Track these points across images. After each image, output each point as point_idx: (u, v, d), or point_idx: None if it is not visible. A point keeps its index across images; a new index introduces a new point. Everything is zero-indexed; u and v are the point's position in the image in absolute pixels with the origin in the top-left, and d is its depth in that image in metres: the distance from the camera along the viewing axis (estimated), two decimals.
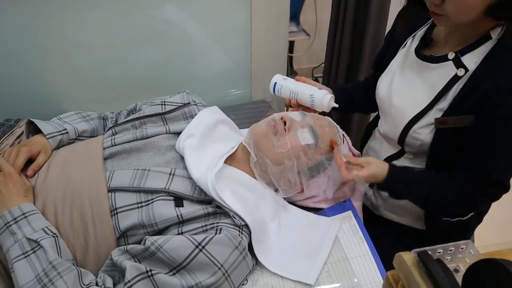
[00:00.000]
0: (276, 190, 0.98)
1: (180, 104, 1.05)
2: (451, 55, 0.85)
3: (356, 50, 1.76)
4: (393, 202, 1.06)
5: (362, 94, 1.14)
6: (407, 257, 0.56)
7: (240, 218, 0.83)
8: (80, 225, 0.81)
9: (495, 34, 0.80)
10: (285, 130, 0.95)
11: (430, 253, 0.55)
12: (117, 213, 0.82)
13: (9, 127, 1.22)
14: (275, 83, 1.05)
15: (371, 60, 1.50)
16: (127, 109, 1.13)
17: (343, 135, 1.04)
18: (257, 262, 0.86)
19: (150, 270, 0.73)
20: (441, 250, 0.57)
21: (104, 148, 0.94)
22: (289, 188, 0.97)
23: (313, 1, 2.36)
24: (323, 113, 1.09)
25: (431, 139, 0.88)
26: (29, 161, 0.89)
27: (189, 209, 0.83)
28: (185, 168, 0.90)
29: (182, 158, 0.92)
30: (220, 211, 0.85)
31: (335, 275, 0.85)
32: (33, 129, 1.00)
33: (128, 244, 0.81)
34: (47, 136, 0.95)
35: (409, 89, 0.93)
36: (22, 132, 1.13)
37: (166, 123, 1.02)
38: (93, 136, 1.05)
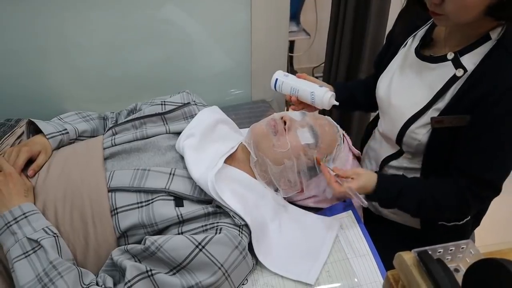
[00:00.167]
0: (276, 190, 0.98)
1: (180, 104, 1.05)
2: (450, 56, 0.85)
3: (356, 50, 1.75)
4: None
5: (363, 92, 1.13)
6: (408, 257, 0.56)
7: (240, 218, 0.83)
8: (80, 225, 0.81)
9: (494, 35, 0.80)
10: (285, 129, 0.95)
11: (430, 252, 0.55)
12: (117, 213, 0.82)
13: (9, 127, 1.22)
14: (276, 79, 1.05)
15: (371, 60, 1.51)
16: (127, 109, 1.13)
17: (343, 134, 1.04)
18: (257, 261, 0.86)
19: (150, 270, 0.73)
20: (442, 250, 0.57)
21: (104, 148, 0.94)
22: (289, 188, 0.97)
23: (313, 1, 2.36)
24: (323, 111, 1.09)
25: (428, 139, 0.89)
26: (30, 161, 0.90)
27: (189, 209, 0.83)
28: (185, 168, 0.90)
29: (182, 158, 0.92)
30: (220, 211, 0.85)
31: (335, 275, 0.85)
32: (34, 129, 1.00)
33: (128, 244, 0.81)
34: (47, 136, 0.95)
35: (408, 89, 0.93)
36: (23, 132, 1.13)
37: (166, 123, 1.02)
38: (93, 136, 1.05)
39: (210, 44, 1.46)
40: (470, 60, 0.82)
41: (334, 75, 1.87)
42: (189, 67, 1.49)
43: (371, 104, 1.09)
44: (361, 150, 1.18)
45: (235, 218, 0.83)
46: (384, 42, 1.10)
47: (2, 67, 1.31)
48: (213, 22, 1.42)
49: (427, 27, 0.94)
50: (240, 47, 1.49)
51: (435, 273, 0.51)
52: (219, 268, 0.75)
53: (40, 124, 0.97)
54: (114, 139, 0.96)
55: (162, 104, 1.04)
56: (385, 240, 0.92)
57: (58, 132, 0.97)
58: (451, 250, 0.57)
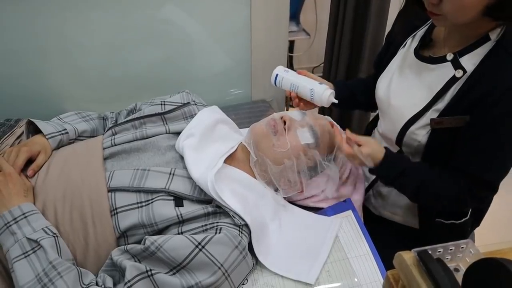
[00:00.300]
0: (276, 190, 0.98)
1: (180, 104, 1.05)
2: (449, 56, 0.85)
3: (356, 50, 1.76)
4: (393, 202, 1.06)
5: (363, 91, 1.13)
6: (407, 257, 0.56)
7: (240, 217, 0.83)
8: (80, 225, 0.81)
9: (494, 35, 0.79)
10: (285, 129, 0.95)
11: (430, 252, 0.55)
12: (117, 213, 0.82)
13: (9, 127, 1.22)
14: (277, 75, 1.05)
15: (370, 60, 1.51)
16: (127, 109, 1.13)
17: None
18: (257, 261, 0.86)
19: (150, 270, 0.73)
20: (441, 250, 0.57)
21: (104, 148, 0.94)
22: (289, 188, 0.97)
23: (313, 1, 2.36)
24: (323, 110, 1.09)
25: (427, 140, 0.88)
26: (29, 161, 0.90)
27: (189, 208, 0.83)
28: (185, 168, 0.90)
29: (182, 158, 0.92)
30: (220, 210, 0.85)
31: (335, 275, 0.85)
32: (33, 129, 1.00)
33: (128, 244, 0.81)
34: (47, 136, 0.95)
35: (407, 90, 0.93)
36: (22, 132, 1.13)
37: (166, 123, 1.02)
38: (93, 136, 1.05)
39: (210, 44, 1.46)
40: (470, 61, 0.82)
41: (334, 75, 1.88)
42: (189, 67, 1.49)
43: (371, 103, 1.09)
44: None
45: (235, 218, 0.83)
46: (384, 42, 1.10)
47: (2, 67, 1.31)
48: (213, 22, 1.42)
49: (426, 27, 0.94)
50: (240, 47, 1.49)
51: (435, 273, 0.51)
52: (219, 268, 0.75)
53: (40, 124, 0.97)
54: (114, 139, 0.96)
55: (161, 104, 1.04)
56: (385, 240, 0.92)
57: (57, 132, 0.97)
58: (451, 249, 0.57)
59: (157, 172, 0.87)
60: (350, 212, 0.98)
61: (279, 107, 1.66)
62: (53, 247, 0.74)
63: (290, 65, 2.58)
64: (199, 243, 0.75)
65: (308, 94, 1.00)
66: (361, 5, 1.63)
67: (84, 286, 0.73)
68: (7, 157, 0.88)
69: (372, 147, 0.89)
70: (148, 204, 0.83)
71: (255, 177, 0.96)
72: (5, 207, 0.77)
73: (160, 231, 0.82)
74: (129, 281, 0.71)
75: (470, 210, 0.98)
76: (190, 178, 0.88)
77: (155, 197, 0.83)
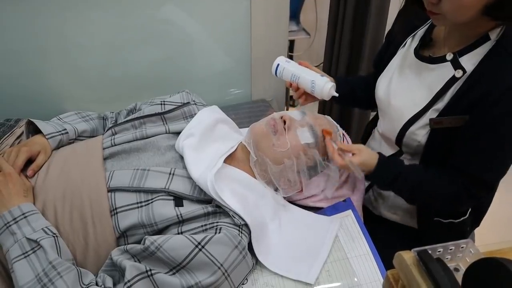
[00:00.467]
0: (276, 190, 0.98)
1: (180, 104, 1.05)
2: (449, 56, 0.85)
3: (356, 50, 1.75)
4: (392, 202, 1.06)
5: (363, 89, 1.13)
6: (407, 256, 0.56)
7: (240, 217, 0.83)
8: (80, 225, 0.81)
9: (493, 35, 0.79)
10: (284, 129, 0.95)
11: (430, 252, 0.54)
12: (116, 213, 0.82)
13: (9, 127, 1.22)
14: (278, 64, 1.04)
15: (371, 59, 1.50)
16: (126, 109, 1.13)
17: (343, 134, 1.04)
18: (257, 261, 0.86)
19: (150, 270, 0.73)
20: (441, 249, 0.57)
21: (103, 148, 0.94)
22: (289, 188, 0.97)
23: (313, 0, 2.36)
24: (323, 110, 1.08)
25: (426, 140, 0.88)
26: (29, 161, 0.90)
27: (189, 208, 0.83)
28: (185, 167, 0.89)
29: (182, 157, 0.92)
30: (220, 210, 0.85)
31: (335, 275, 0.85)
32: (33, 129, 1.00)
33: (128, 243, 0.81)
34: (47, 136, 0.95)
35: (407, 89, 0.93)
36: (22, 132, 1.13)
37: (166, 123, 1.02)
38: (93, 136, 1.05)
39: (210, 44, 1.46)
40: (470, 61, 0.82)
41: (334, 74, 1.88)
42: (189, 67, 1.49)
43: (370, 101, 1.09)
44: None
45: (234, 217, 0.83)
46: (384, 41, 1.10)
47: (2, 67, 1.31)
48: (213, 22, 1.42)
49: (426, 27, 0.94)
50: (240, 46, 1.49)
51: (434, 273, 0.51)
52: (219, 268, 0.75)
53: (40, 124, 0.97)
54: (114, 139, 0.96)
55: (161, 104, 1.04)
56: (385, 240, 0.92)
57: (57, 132, 0.97)
58: (451, 249, 0.57)
59: (157, 172, 0.87)
60: (350, 211, 0.98)
61: (279, 106, 1.66)
62: (53, 247, 0.74)
63: None
64: (199, 243, 0.75)
65: (309, 85, 0.99)
66: (361, 4, 1.63)
67: (84, 286, 0.73)
68: (7, 157, 0.88)
69: (364, 156, 0.89)
70: (148, 204, 0.83)
71: (255, 177, 0.96)
72: (5, 207, 0.77)
73: (160, 231, 0.82)
74: (129, 281, 0.71)
75: (470, 210, 0.98)
76: (190, 178, 0.88)
77: (155, 197, 0.83)
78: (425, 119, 0.87)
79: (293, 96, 1.05)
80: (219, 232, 0.79)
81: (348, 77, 1.18)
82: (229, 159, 0.97)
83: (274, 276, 0.85)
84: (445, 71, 0.85)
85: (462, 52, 0.83)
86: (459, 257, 0.58)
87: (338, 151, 0.90)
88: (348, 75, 1.81)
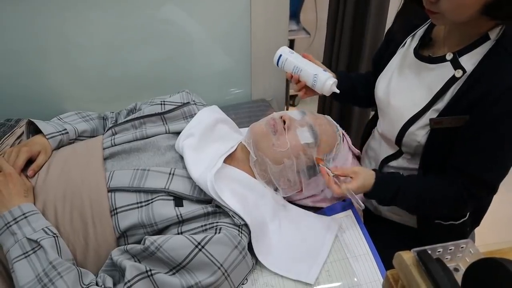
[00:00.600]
0: (276, 190, 0.98)
1: (180, 104, 1.05)
2: (449, 56, 0.85)
3: (356, 49, 1.75)
4: None
5: (363, 86, 1.12)
6: (407, 257, 0.56)
7: (240, 217, 0.83)
8: (80, 225, 0.81)
9: (493, 35, 0.79)
10: (284, 129, 0.95)
11: (430, 252, 0.54)
12: (117, 213, 0.82)
13: (9, 127, 1.22)
14: (280, 55, 1.01)
15: (370, 59, 1.50)
16: (126, 108, 1.14)
17: (342, 133, 1.04)
18: (257, 261, 0.86)
19: (150, 270, 0.73)
20: (441, 249, 0.57)
21: (104, 148, 0.94)
22: (288, 187, 0.97)
23: (313, 0, 2.36)
24: (323, 109, 1.07)
25: (426, 140, 0.88)
26: (29, 161, 0.90)
27: (189, 208, 0.83)
28: (185, 168, 0.90)
29: (182, 158, 0.92)
30: (220, 210, 0.85)
31: (335, 275, 0.85)
32: (33, 129, 1.00)
33: (128, 244, 0.81)
34: (47, 136, 0.95)
35: (407, 89, 0.93)
36: (23, 132, 1.13)
37: (166, 123, 1.02)
38: (93, 136, 1.05)
39: (209, 43, 1.46)
40: (469, 61, 0.82)
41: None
42: (189, 67, 1.49)
43: (370, 100, 1.08)
44: (361, 149, 1.18)
45: (234, 217, 0.83)
46: (383, 39, 1.09)
47: (2, 67, 1.31)
48: (212, 22, 1.42)
49: (425, 26, 0.94)
50: (239, 46, 1.49)
51: (434, 273, 0.51)
52: (219, 268, 0.75)
53: (40, 124, 0.97)
54: (114, 139, 0.96)
55: (161, 104, 1.04)
56: (385, 240, 0.92)
57: (57, 132, 0.97)
58: (450, 249, 0.57)
59: (157, 172, 0.87)
60: (350, 212, 0.99)
61: (279, 106, 1.66)
62: (53, 247, 0.74)
63: None
64: (199, 243, 0.75)
65: (311, 79, 0.97)
66: (361, 3, 1.63)
67: (84, 286, 0.73)
68: (7, 157, 0.88)
69: (361, 179, 0.88)
70: (148, 204, 0.83)
71: (254, 177, 0.96)
72: (5, 207, 0.77)
73: (160, 231, 0.82)
74: (129, 281, 0.71)
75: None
76: (190, 178, 0.88)
77: (155, 197, 0.83)
78: (425, 119, 0.87)
79: (293, 89, 1.02)
80: (219, 232, 0.79)
81: (350, 74, 1.16)
82: (229, 159, 0.97)
83: (274, 276, 0.85)
84: (445, 71, 0.85)
85: (462, 52, 0.83)
86: (459, 257, 0.58)
87: (334, 179, 0.89)
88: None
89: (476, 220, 1.04)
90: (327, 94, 0.99)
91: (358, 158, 1.12)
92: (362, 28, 1.66)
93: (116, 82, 1.44)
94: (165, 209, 0.82)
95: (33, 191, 0.84)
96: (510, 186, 0.99)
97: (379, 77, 1.02)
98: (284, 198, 0.99)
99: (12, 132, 1.18)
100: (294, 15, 2.32)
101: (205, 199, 0.86)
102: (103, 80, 1.43)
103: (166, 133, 1.00)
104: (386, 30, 1.13)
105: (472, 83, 0.80)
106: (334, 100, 1.62)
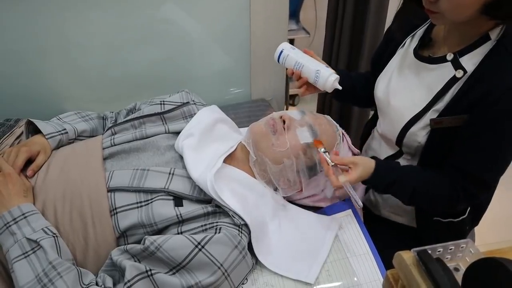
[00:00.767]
0: (276, 189, 0.98)
1: (179, 104, 1.05)
2: (449, 56, 0.84)
3: (356, 48, 1.75)
4: (392, 202, 1.06)
5: (363, 86, 1.12)
6: (407, 256, 0.56)
7: (240, 217, 0.83)
8: (79, 225, 0.81)
9: (494, 35, 0.79)
10: (284, 129, 0.95)
11: (430, 252, 0.54)
12: (116, 213, 0.82)
13: (8, 127, 1.22)
14: (281, 51, 0.99)
15: (370, 58, 1.50)
16: (126, 108, 1.13)
17: (342, 133, 1.04)
18: (257, 261, 0.86)
19: (150, 270, 0.73)
20: (441, 249, 0.57)
21: (103, 148, 0.94)
22: (288, 187, 0.97)
23: None
24: (323, 109, 1.07)
25: (426, 140, 0.88)
26: (29, 161, 0.89)
27: (189, 208, 0.83)
28: (185, 167, 0.89)
29: (182, 157, 0.92)
30: (220, 210, 0.85)
31: (335, 274, 0.85)
32: (33, 129, 1.00)
33: (128, 243, 0.81)
34: (46, 136, 0.95)
35: (407, 90, 0.93)
36: (22, 132, 1.13)
37: (165, 123, 1.02)
38: (93, 136, 1.05)
39: (209, 43, 1.46)
40: (470, 61, 0.81)
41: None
42: (188, 66, 1.49)
43: (369, 99, 1.08)
44: (360, 149, 1.18)
45: (234, 217, 0.83)
46: (383, 38, 1.09)
47: (2, 67, 1.31)
48: (212, 21, 1.42)
49: (425, 26, 0.94)
50: (239, 45, 1.49)
51: (434, 273, 0.51)
52: (219, 268, 0.75)
53: (39, 124, 0.97)
54: (113, 139, 0.96)
55: (161, 104, 1.04)
56: (385, 239, 0.92)
57: (57, 132, 0.97)
58: (450, 249, 0.57)
59: (157, 172, 0.87)
60: (350, 211, 0.98)
61: (279, 106, 1.66)
62: (53, 247, 0.74)
63: None
64: (199, 243, 0.75)
65: (313, 75, 0.96)
66: (360, 2, 1.63)
67: (84, 286, 0.73)
68: (7, 157, 0.88)
69: (360, 170, 0.87)
70: (148, 204, 0.83)
71: (254, 177, 0.96)
72: (4, 207, 0.77)
73: (160, 231, 0.82)
74: (129, 281, 0.71)
75: (469, 209, 0.98)
76: (189, 177, 0.88)
77: (154, 197, 0.83)
78: (425, 120, 0.87)
79: (294, 85, 1.01)
80: (219, 232, 0.79)
81: (350, 72, 1.16)
82: (229, 159, 0.97)
83: (274, 275, 0.85)
84: (445, 71, 0.85)
85: (463, 52, 0.83)
86: (459, 257, 0.58)
87: (333, 169, 0.87)
88: None
89: (475, 218, 1.04)
90: (329, 91, 0.97)
91: None
92: (362, 27, 1.66)
93: (116, 81, 1.44)
94: (164, 209, 0.82)
95: (33, 191, 0.84)
96: (510, 185, 0.99)
97: (379, 77, 1.02)
98: (284, 197, 0.99)
99: (12, 132, 1.18)
100: (294, 14, 2.33)
101: (205, 199, 0.86)
102: (103, 80, 1.43)
103: (165, 133, 1.00)
104: (385, 29, 1.13)
105: (472, 83, 0.80)
106: (334, 100, 1.61)
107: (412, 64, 0.92)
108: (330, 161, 0.88)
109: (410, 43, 0.95)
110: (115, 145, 0.95)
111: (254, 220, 0.85)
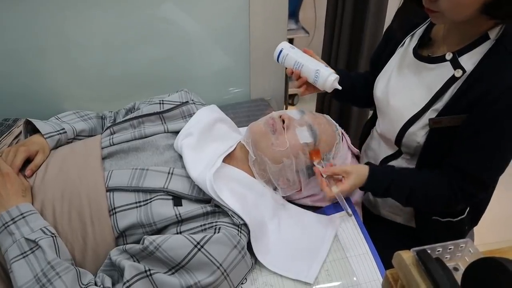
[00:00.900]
0: (275, 189, 0.98)
1: (178, 103, 1.05)
2: (448, 56, 0.84)
3: (355, 47, 1.75)
4: (391, 202, 1.06)
5: (363, 86, 1.12)
6: (406, 256, 0.56)
7: (239, 217, 0.83)
8: (78, 225, 0.81)
9: (493, 34, 0.79)
10: (283, 128, 0.95)
11: (429, 252, 0.54)
12: (115, 212, 0.82)
13: (7, 127, 1.22)
14: (281, 50, 0.99)
15: (369, 58, 1.50)
16: (125, 108, 1.13)
17: (342, 133, 1.04)
18: (256, 261, 0.86)
19: (149, 270, 0.73)
20: (441, 249, 0.57)
21: (102, 148, 0.94)
22: (288, 187, 0.97)
23: None
24: (322, 109, 1.07)
25: (425, 139, 0.88)
26: (27, 161, 0.89)
27: (188, 208, 0.83)
28: (184, 167, 0.89)
29: (181, 157, 0.92)
30: (219, 210, 0.85)
31: (335, 274, 0.85)
32: (31, 129, 1.00)
33: (127, 243, 0.81)
34: (45, 136, 0.94)
35: (406, 89, 0.93)
36: (20, 132, 1.13)
37: (165, 122, 1.02)
38: (91, 136, 1.05)
39: (208, 42, 1.46)
40: (469, 60, 0.81)
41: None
42: (188, 66, 1.49)
43: (368, 99, 1.08)
44: (359, 149, 1.18)
45: (233, 217, 0.83)
46: (382, 38, 1.09)
47: (2, 66, 1.30)
48: (211, 21, 1.42)
49: (424, 26, 0.94)
50: (238, 45, 1.49)
51: (434, 272, 0.51)
52: (218, 268, 0.75)
53: (38, 123, 0.96)
54: (112, 138, 0.96)
55: (160, 103, 1.04)
56: (384, 239, 0.92)
57: (55, 131, 0.97)
58: (450, 249, 0.57)
59: (156, 172, 0.87)
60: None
61: (278, 105, 1.66)
62: (51, 247, 0.74)
63: None
64: (198, 243, 0.75)
65: (313, 75, 0.95)
66: (359, 1, 1.63)
67: (83, 286, 0.72)
68: (5, 157, 0.88)
69: (352, 179, 0.88)
70: (147, 203, 0.82)
71: (254, 176, 0.96)
72: (3, 207, 0.77)
73: (159, 231, 0.82)
74: (128, 281, 0.71)
75: (468, 208, 0.98)
76: (188, 177, 0.88)
77: (153, 197, 0.83)
78: (424, 119, 0.87)
79: (293, 85, 1.00)
80: (218, 232, 0.79)
81: (350, 72, 1.16)
82: (228, 159, 0.96)
83: (273, 275, 0.85)
84: (444, 71, 0.85)
85: (462, 52, 0.83)
86: (458, 256, 0.58)
87: (326, 180, 0.89)
88: None
89: (474, 218, 1.04)
90: (329, 91, 0.97)
91: (357, 157, 1.12)
92: (361, 26, 1.66)
93: (116, 81, 1.44)
94: (164, 209, 0.81)
95: (31, 190, 0.84)
96: (509, 185, 0.99)
97: (378, 77, 1.02)
98: (283, 197, 0.99)
99: (10, 132, 1.18)
100: (293, 14, 2.33)
101: (204, 198, 0.86)
102: (102, 79, 1.43)
103: (164, 132, 1.00)
104: (385, 27, 1.13)
105: (472, 82, 0.80)
106: (333, 99, 1.61)
107: (412, 63, 0.92)
108: (323, 173, 0.90)
109: (410, 42, 0.95)
110: (114, 144, 0.95)
111: (254, 219, 0.85)
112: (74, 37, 1.31)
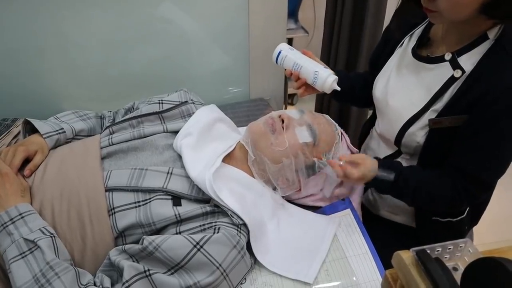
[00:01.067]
0: (275, 189, 0.98)
1: (178, 103, 1.05)
2: (447, 56, 0.84)
3: (354, 47, 1.75)
4: (391, 201, 1.06)
5: (362, 86, 1.12)
6: (406, 256, 0.56)
7: (238, 217, 0.83)
8: (77, 225, 0.81)
9: (492, 34, 0.79)
10: (283, 128, 0.95)
11: (428, 251, 0.54)
12: (114, 212, 0.81)
13: (6, 127, 1.22)
14: (280, 52, 0.99)
15: (368, 58, 1.50)
16: (124, 108, 1.13)
17: (341, 133, 1.04)
18: (255, 261, 0.86)
19: (148, 270, 0.73)
20: (440, 249, 0.57)
21: (101, 148, 0.94)
22: (287, 187, 0.97)
23: None
24: (321, 109, 1.07)
25: (425, 140, 0.88)
26: (26, 160, 0.89)
27: (187, 208, 0.83)
28: (183, 167, 0.89)
29: (180, 157, 0.92)
30: (218, 210, 0.85)
31: (334, 274, 0.85)
32: (30, 129, 1.00)
33: (126, 243, 0.81)
34: (44, 136, 0.94)
35: (405, 89, 0.93)
36: (19, 132, 1.13)
37: (164, 122, 1.02)
38: (90, 135, 1.05)
39: (208, 42, 1.46)
40: (468, 61, 0.81)
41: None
42: (187, 65, 1.49)
43: (367, 100, 1.08)
44: (359, 149, 1.18)
45: (233, 217, 0.83)
46: (381, 38, 1.09)
47: (1, 66, 1.30)
48: (211, 20, 1.42)
49: (423, 26, 0.94)
50: (238, 44, 1.48)
51: (433, 272, 0.51)
52: (217, 268, 0.75)
53: (36, 123, 0.96)
54: (111, 138, 0.96)
55: (159, 103, 1.04)
56: (384, 239, 0.92)
57: (54, 131, 0.96)
58: (449, 249, 0.57)
59: (155, 172, 0.87)
60: (348, 211, 0.98)
61: (277, 105, 1.66)
62: (50, 248, 0.74)
63: None
64: (197, 243, 0.75)
65: (311, 76, 0.95)
66: (358, 1, 1.63)
67: (82, 287, 0.72)
68: (4, 157, 0.88)
69: (367, 167, 0.87)
70: (146, 203, 0.82)
71: (253, 176, 0.96)
72: (2, 207, 0.77)
73: (158, 231, 0.82)
74: (127, 281, 0.71)
75: (468, 209, 0.98)
76: (188, 177, 0.87)
77: (152, 197, 0.83)
78: (424, 120, 0.87)
79: (292, 86, 1.00)
80: (218, 232, 0.78)
81: (349, 73, 1.16)
82: (227, 158, 0.96)
83: (273, 275, 0.85)
84: (443, 71, 0.85)
85: (461, 52, 0.83)
86: (457, 256, 0.58)
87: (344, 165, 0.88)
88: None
89: (474, 218, 1.04)
90: (328, 92, 0.97)
91: None
92: (360, 26, 1.66)
93: (115, 80, 1.44)
94: (163, 209, 0.81)
95: (30, 190, 0.84)
96: (509, 185, 0.99)
97: (377, 77, 1.02)
98: (283, 197, 0.99)
99: (9, 132, 1.17)
100: (292, 13, 2.32)
101: (203, 198, 0.86)
102: (102, 79, 1.43)
103: (164, 132, 0.99)
104: (384, 27, 1.13)
105: (471, 83, 0.80)
106: (333, 100, 1.61)
107: (411, 63, 0.92)
108: (339, 161, 0.89)
109: (409, 42, 0.95)
110: (113, 144, 0.95)
111: (253, 219, 0.85)
112: (73, 37, 1.31)
